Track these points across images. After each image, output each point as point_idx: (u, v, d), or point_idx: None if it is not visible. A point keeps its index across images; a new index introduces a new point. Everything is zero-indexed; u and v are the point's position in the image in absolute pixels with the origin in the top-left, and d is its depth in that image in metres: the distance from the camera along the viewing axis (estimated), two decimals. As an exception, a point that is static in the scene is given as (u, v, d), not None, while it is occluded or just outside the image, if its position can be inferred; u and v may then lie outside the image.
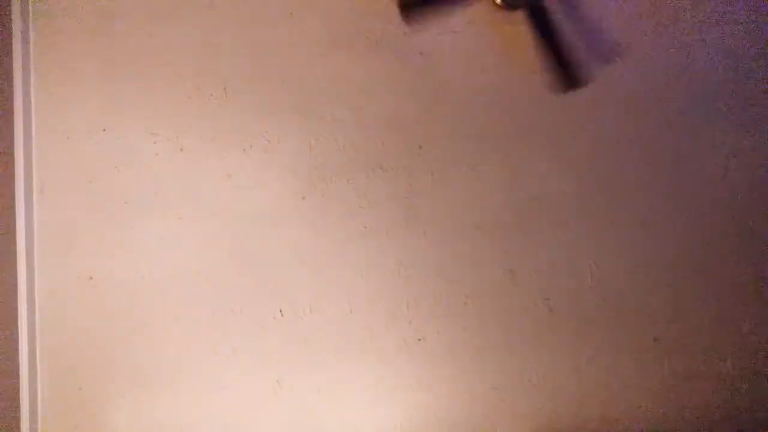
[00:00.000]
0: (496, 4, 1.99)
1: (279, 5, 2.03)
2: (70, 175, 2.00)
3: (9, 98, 1.97)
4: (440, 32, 2.03)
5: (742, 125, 2.06)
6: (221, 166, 2.02)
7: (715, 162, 2.06)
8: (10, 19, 1.97)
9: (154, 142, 2.01)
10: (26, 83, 1.99)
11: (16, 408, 1.93)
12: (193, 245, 2.01)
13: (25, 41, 2.00)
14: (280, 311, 2.02)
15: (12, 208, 1.96)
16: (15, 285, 1.95)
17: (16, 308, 1.95)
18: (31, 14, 2.00)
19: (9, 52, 1.97)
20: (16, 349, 1.94)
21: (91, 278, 2.00)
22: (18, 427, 1.93)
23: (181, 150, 2.02)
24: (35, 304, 1.99)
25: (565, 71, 1.97)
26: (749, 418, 2.06)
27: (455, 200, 2.04)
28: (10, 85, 1.97)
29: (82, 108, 2.01)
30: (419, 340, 2.04)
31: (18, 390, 1.94)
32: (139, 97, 2.01)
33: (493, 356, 2.04)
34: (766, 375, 2.06)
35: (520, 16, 1.99)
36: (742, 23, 2.06)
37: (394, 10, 2.02)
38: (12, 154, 1.97)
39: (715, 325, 2.06)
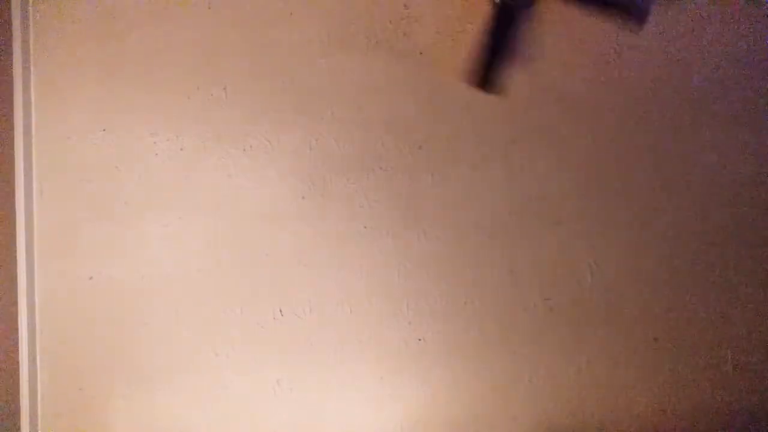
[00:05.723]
0: (496, 5, 1.99)
1: (279, 5, 2.03)
2: (70, 175, 2.01)
3: (9, 98, 1.97)
4: (440, 32, 2.03)
5: (741, 125, 2.06)
6: (221, 166, 2.02)
7: (714, 162, 2.06)
8: (10, 19, 1.97)
9: (154, 142, 2.01)
10: (26, 83, 2.00)
11: (16, 408, 1.94)
12: (193, 245, 2.01)
13: (25, 41, 2.00)
14: (280, 311, 2.02)
15: (12, 208, 1.96)
16: (15, 285, 1.95)
17: (16, 308, 1.95)
18: (31, 14, 2.01)
19: (9, 52, 1.97)
20: (16, 349, 1.94)
21: (91, 278, 2.00)
22: (18, 427, 1.93)
23: (181, 150, 2.02)
24: (35, 304, 1.99)
25: (488, 72, 1.99)
26: (749, 418, 2.06)
27: (455, 200, 2.04)
28: (10, 86, 1.97)
29: (82, 108, 2.01)
30: (419, 340, 2.04)
31: (18, 390, 1.94)
32: (139, 97, 2.01)
33: (493, 356, 2.04)
34: (765, 375, 2.06)
35: (520, 16, 1.99)
36: (740, 23, 2.06)
37: (394, 10, 2.02)
38: (12, 155, 1.97)
39: (715, 325, 2.06)
